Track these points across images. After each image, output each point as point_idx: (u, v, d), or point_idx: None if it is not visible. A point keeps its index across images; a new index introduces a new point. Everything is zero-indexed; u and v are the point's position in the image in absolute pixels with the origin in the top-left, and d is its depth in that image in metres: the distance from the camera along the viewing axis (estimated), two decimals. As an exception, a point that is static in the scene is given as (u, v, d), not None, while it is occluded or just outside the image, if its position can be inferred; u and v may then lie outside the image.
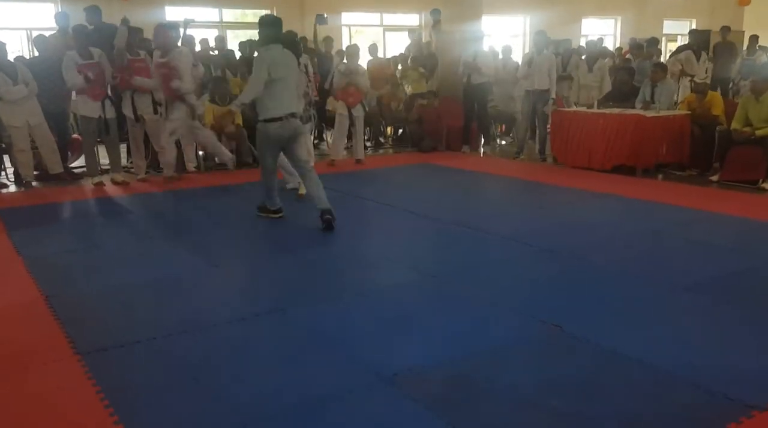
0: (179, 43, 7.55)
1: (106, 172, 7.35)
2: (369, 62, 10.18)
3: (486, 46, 9.97)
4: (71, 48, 6.93)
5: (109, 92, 6.99)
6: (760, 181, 6.61)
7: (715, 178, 6.96)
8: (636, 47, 11.35)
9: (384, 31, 15.05)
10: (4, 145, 7.18)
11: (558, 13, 14.94)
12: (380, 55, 11.17)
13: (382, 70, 10.33)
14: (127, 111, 7.00)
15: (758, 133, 6.63)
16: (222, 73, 8.59)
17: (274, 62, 5.07)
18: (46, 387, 2.74)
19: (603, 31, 17.02)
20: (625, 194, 6.37)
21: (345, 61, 8.37)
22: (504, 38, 13.52)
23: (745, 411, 2.45)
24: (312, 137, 9.32)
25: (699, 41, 11.30)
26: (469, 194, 6.91)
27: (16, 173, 7.24)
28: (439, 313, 3.49)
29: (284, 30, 5.61)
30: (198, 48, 8.99)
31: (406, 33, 12.37)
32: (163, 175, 7.28)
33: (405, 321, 3.38)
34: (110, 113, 6.92)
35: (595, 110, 8.07)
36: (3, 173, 7.44)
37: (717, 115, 7.33)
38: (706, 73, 10.56)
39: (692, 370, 2.77)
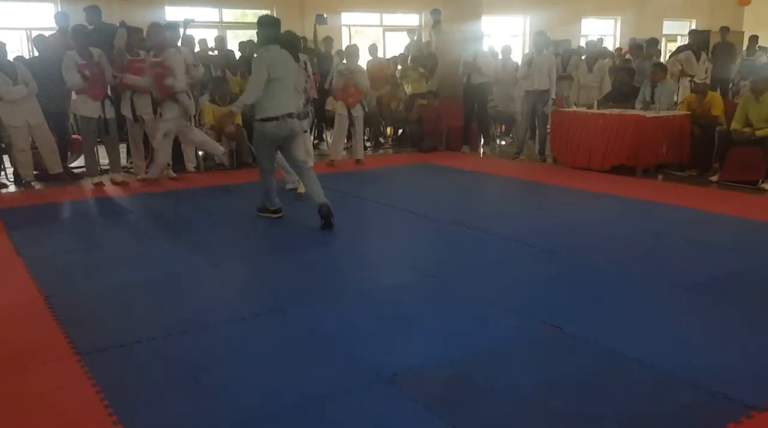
0: (179, 43, 7.56)
1: (106, 172, 7.35)
2: (369, 62, 10.18)
3: (486, 46, 9.97)
4: (71, 48, 6.92)
5: (109, 92, 6.99)
6: (760, 181, 6.61)
7: (714, 178, 6.96)
8: (636, 47, 11.35)
9: (384, 31, 15.04)
10: (3, 145, 7.18)
11: (558, 13, 14.94)
12: (380, 55, 11.17)
13: (382, 70, 10.34)
14: (126, 111, 7.00)
15: (758, 133, 6.63)
16: (222, 73, 8.59)
17: (273, 63, 5.10)
18: (46, 387, 2.74)
19: (603, 32, 17.02)
20: (625, 194, 6.37)
21: (345, 61, 8.38)
22: (504, 38, 13.52)
23: (744, 412, 2.46)
24: (312, 137, 9.34)
25: (699, 41, 11.31)
26: (469, 194, 6.91)
27: (15, 173, 7.24)
28: (439, 313, 3.49)
29: (284, 30, 5.62)
30: (197, 49, 8.99)
31: (406, 33, 12.38)
32: (148, 174, 7.18)
33: (405, 321, 3.38)
34: (110, 113, 6.91)
35: (594, 110, 8.07)
36: (3, 173, 7.44)
37: (717, 116, 7.33)
38: (705, 73, 10.56)
39: (692, 370, 2.77)
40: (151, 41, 6.89)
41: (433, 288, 3.91)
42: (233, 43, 10.81)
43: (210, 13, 12.98)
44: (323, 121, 9.95)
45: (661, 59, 12.09)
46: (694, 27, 16.29)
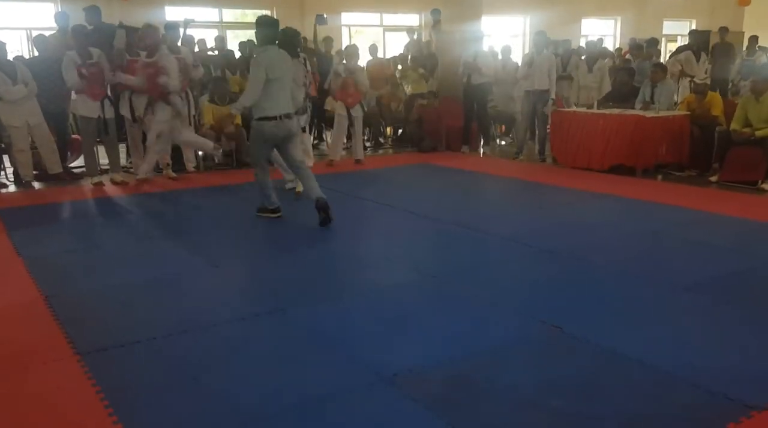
0: (179, 43, 7.56)
1: (106, 172, 7.34)
2: (369, 62, 10.19)
3: (486, 46, 9.97)
4: (71, 48, 6.92)
5: (109, 92, 6.99)
6: (760, 181, 6.61)
7: (714, 178, 6.97)
8: (636, 47, 11.36)
9: (384, 31, 15.05)
10: (3, 145, 7.19)
11: (558, 13, 14.94)
12: (380, 55, 11.17)
13: (382, 71, 10.34)
14: (125, 111, 7.01)
15: (758, 133, 6.63)
16: (222, 73, 8.59)
17: (271, 63, 5.13)
18: (46, 387, 2.74)
19: (603, 32, 17.02)
20: (625, 194, 6.38)
21: (344, 61, 8.38)
22: (504, 38, 13.52)
23: (744, 412, 2.46)
24: (311, 137, 9.34)
25: (699, 42, 11.31)
26: (469, 194, 6.91)
27: (15, 173, 7.23)
28: (439, 313, 3.49)
29: (285, 33, 5.65)
30: (196, 49, 8.99)
31: (405, 33, 12.37)
32: (137, 176, 7.14)
33: (405, 321, 3.38)
34: (109, 113, 6.91)
35: (594, 111, 8.07)
36: (3, 173, 7.43)
37: (716, 116, 7.33)
38: (705, 73, 10.57)
39: (692, 370, 2.77)
40: (144, 43, 6.88)
41: (433, 289, 3.91)
42: (233, 43, 10.81)
43: (210, 13, 12.99)
44: (323, 121, 9.95)
45: (661, 59, 12.09)
46: (694, 27, 16.29)
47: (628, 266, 4.22)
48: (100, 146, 7.25)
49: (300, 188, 6.02)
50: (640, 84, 8.31)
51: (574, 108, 9.06)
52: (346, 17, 14.16)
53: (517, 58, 10.51)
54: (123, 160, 7.76)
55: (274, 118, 5.16)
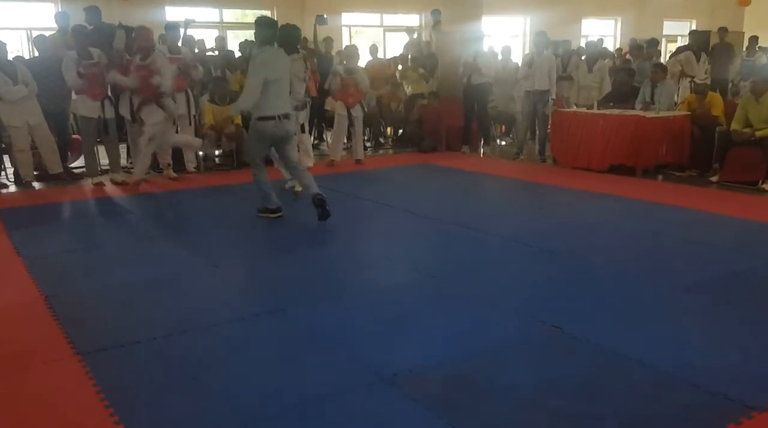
0: (179, 43, 7.56)
1: (106, 172, 7.34)
2: (369, 63, 10.19)
3: (486, 46, 9.97)
4: (71, 48, 6.93)
5: (109, 93, 6.99)
6: (760, 182, 6.61)
7: (714, 178, 6.96)
8: (636, 48, 11.35)
9: (384, 31, 15.04)
10: (4, 145, 7.19)
11: (558, 13, 14.94)
12: (380, 55, 11.17)
13: (382, 71, 10.34)
14: (124, 111, 7.00)
15: (758, 133, 6.63)
16: (222, 73, 8.59)
17: (269, 64, 5.17)
18: (46, 387, 2.74)
19: (603, 32, 17.01)
20: (625, 195, 6.37)
21: (344, 62, 8.38)
22: (504, 39, 13.52)
23: (744, 412, 2.46)
24: (312, 137, 9.35)
25: (699, 42, 11.31)
26: (469, 195, 6.91)
27: (16, 173, 7.23)
28: (439, 313, 3.49)
29: (285, 29, 5.65)
30: (196, 50, 8.98)
31: (405, 32, 12.37)
32: (133, 178, 7.10)
33: (405, 321, 3.38)
34: (109, 113, 6.91)
35: (595, 111, 8.07)
36: (3, 173, 7.43)
37: (717, 116, 7.33)
38: (706, 73, 10.56)
39: (692, 370, 2.77)
40: (137, 45, 6.88)
41: (433, 289, 3.91)
42: (233, 44, 10.81)
43: (210, 13, 12.99)
44: (323, 121, 9.95)
45: (661, 60, 12.09)
46: (694, 27, 16.29)
47: (628, 266, 4.22)
48: (100, 146, 7.25)
49: (299, 187, 6.03)
50: (641, 84, 8.31)
51: (575, 108, 9.06)
52: (347, 17, 14.15)
53: (517, 58, 10.51)
54: (123, 160, 7.76)
55: (274, 117, 5.21)
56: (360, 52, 8.60)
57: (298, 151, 7.26)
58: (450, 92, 9.80)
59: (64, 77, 6.68)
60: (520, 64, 9.12)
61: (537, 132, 8.84)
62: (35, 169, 7.19)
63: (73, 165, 7.85)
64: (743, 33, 14.29)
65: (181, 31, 7.74)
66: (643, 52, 10.78)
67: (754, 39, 11.81)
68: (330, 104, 9.03)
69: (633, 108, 7.92)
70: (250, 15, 13.45)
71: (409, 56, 10.97)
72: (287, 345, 3.13)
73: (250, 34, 8.76)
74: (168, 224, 5.68)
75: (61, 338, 3.17)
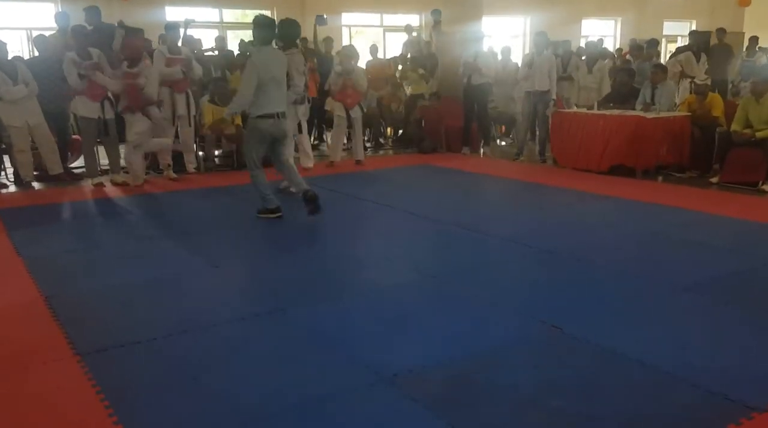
0: (180, 43, 7.56)
1: (106, 172, 7.34)
2: (369, 63, 10.19)
3: (486, 46, 9.97)
4: (71, 48, 6.93)
5: (109, 93, 6.98)
6: (760, 182, 6.61)
7: (714, 179, 6.96)
8: (636, 48, 11.34)
9: (384, 31, 15.05)
10: (4, 146, 7.19)
11: (558, 13, 14.94)
12: (380, 55, 11.17)
13: (382, 71, 10.34)
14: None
15: (758, 134, 6.63)
16: (222, 74, 8.59)
17: (265, 64, 5.20)
18: (46, 387, 2.74)
19: (603, 32, 17.02)
20: (625, 196, 6.38)
21: (342, 62, 8.38)
22: (504, 39, 13.53)
23: (744, 412, 2.45)
24: (311, 138, 9.35)
25: (699, 42, 11.30)
26: (469, 195, 6.92)
27: (16, 173, 7.23)
28: (439, 313, 3.49)
29: (285, 23, 5.67)
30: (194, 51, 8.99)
31: (404, 31, 12.36)
32: (133, 182, 7.08)
33: (405, 321, 3.38)
34: (109, 114, 6.91)
35: (595, 111, 8.07)
36: (3, 173, 7.44)
37: (717, 117, 7.33)
38: (706, 74, 10.55)
39: (692, 370, 2.77)
40: (124, 53, 6.86)
41: (433, 289, 3.91)
42: (233, 44, 10.81)
43: (210, 13, 13.00)
44: (323, 121, 9.95)
45: (662, 60, 12.08)
46: (694, 28, 16.28)
47: (628, 266, 4.22)
48: (100, 147, 7.25)
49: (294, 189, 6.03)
50: (641, 85, 8.30)
51: (575, 109, 9.06)
52: (347, 17, 14.17)
53: (517, 58, 10.52)
54: (123, 161, 7.75)
55: (272, 115, 5.25)
56: (360, 52, 8.59)
57: (297, 151, 7.28)
58: (450, 92, 9.79)
59: (68, 79, 6.67)
60: (520, 65, 9.12)
61: (537, 132, 8.84)
62: (35, 170, 7.19)
63: (73, 165, 7.85)
64: (743, 33, 14.29)
65: (181, 31, 7.74)
66: (643, 52, 10.78)
67: (754, 39, 11.80)
68: (329, 105, 9.03)
69: (633, 108, 7.91)
70: (250, 15, 13.44)
71: (409, 56, 10.97)
72: (287, 345, 3.13)
73: (250, 35, 8.77)
74: (168, 224, 5.67)
75: (61, 338, 3.17)
